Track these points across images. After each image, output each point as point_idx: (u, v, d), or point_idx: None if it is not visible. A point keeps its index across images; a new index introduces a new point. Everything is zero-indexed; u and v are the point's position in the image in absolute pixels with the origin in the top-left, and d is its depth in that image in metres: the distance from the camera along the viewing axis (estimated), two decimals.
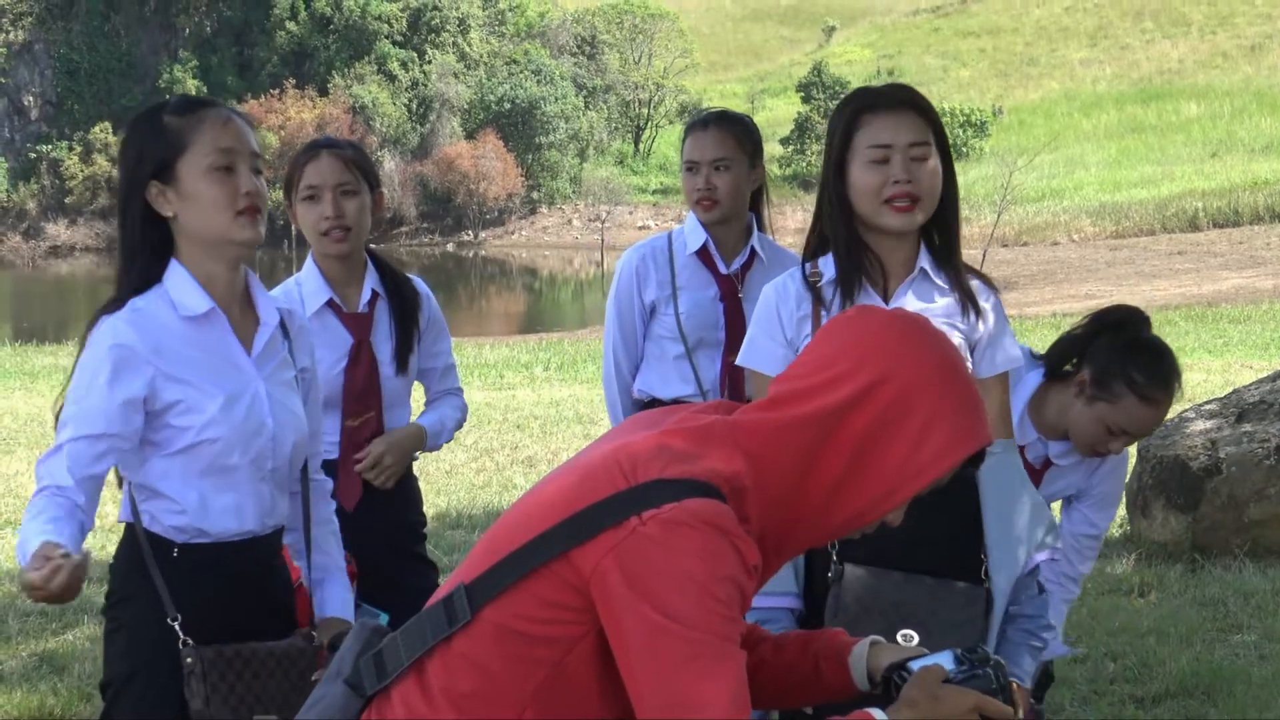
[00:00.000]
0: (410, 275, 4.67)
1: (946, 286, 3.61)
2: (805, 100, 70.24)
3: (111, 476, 3.27)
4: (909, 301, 3.59)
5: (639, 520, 2.24)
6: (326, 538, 3.59)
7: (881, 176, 3.46)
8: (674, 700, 2.22)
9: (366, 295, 4.52)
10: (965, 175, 58.33)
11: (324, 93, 67.75)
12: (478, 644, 2.33)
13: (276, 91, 67.07)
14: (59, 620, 7.24)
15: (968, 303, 3.61)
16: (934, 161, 3.49)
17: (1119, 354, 4.05)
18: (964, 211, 3.78)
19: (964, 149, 63.43)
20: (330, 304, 4.49)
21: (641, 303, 5.01)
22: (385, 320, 4.54)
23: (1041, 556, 3.48)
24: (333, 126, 64.70)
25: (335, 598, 3.56)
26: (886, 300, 3.57)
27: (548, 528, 2.31)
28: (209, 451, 3.23)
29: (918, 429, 2.30)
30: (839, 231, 3.56)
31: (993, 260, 40.36)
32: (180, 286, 3.26)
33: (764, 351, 3.63)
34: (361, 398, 4.47)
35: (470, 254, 62.52)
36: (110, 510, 7.75)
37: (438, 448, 4.70)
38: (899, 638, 3.25)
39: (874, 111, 3.49)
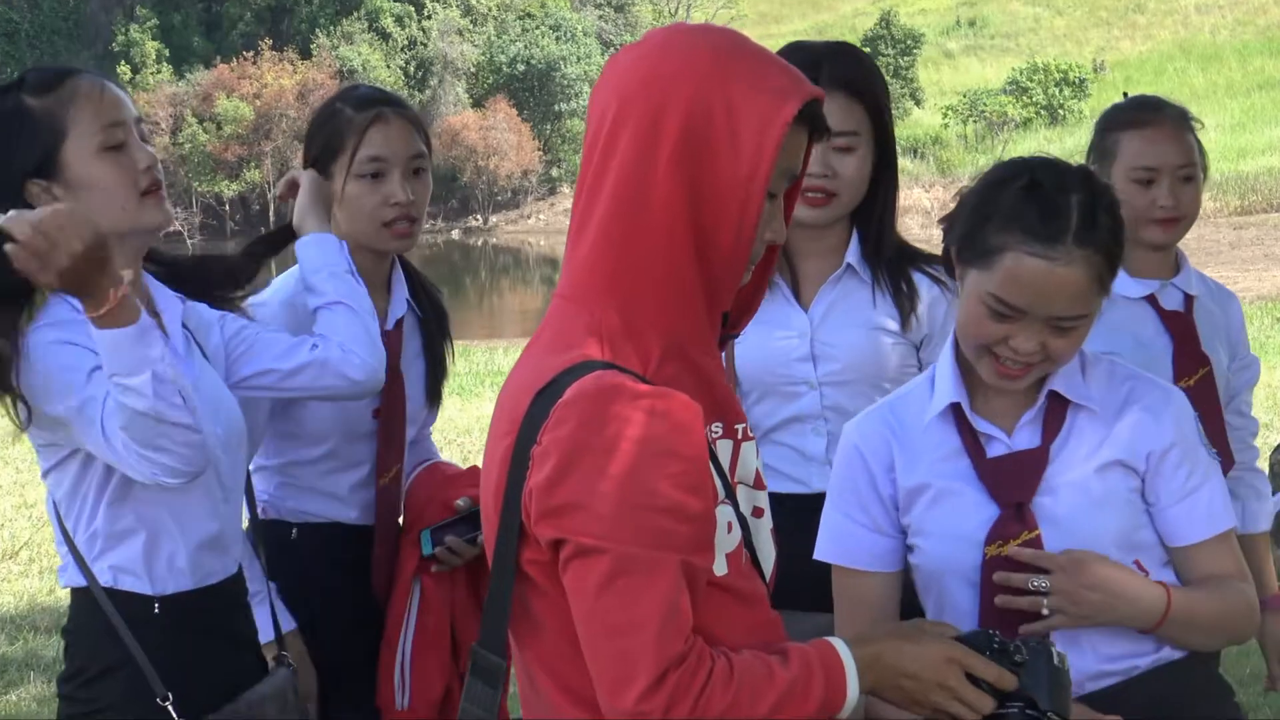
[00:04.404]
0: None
1: (875, 283, 3.85)
2: (872, 56, 70.03)
3: (43, 536, 3.21)
4: (830, 304, 3.84)
5: (537, 446, 2.28)
6: None
7: None
8: (602, 630, 2.27)
9: (400, 310, 4.05)
10: (1062, 142, 58.22)
11: (306, 55, 67.88)
12: (541, 668, 2.41)
13: (250, 54, 67.19)
14: (2, 679, 7.24)
15: (904, 304, 3.84)
16: (858, 153, 3.80)
17: (1096, 136, 4.60)
18: None
19: (1059, 111, 63.27)
20: None
21: None
22: (415, 342, 4.11)
23: None
24: (318, 94, 64.92)
25: None
26: (804, 304, 3.85)
27: (494, 538, 2.37)
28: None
29: (725, 129, 2.33)
30: None
31: None
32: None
33: None
34: (394, 444, 4.01)
35: (479, 242, 62.62)
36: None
37: None
38: None
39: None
